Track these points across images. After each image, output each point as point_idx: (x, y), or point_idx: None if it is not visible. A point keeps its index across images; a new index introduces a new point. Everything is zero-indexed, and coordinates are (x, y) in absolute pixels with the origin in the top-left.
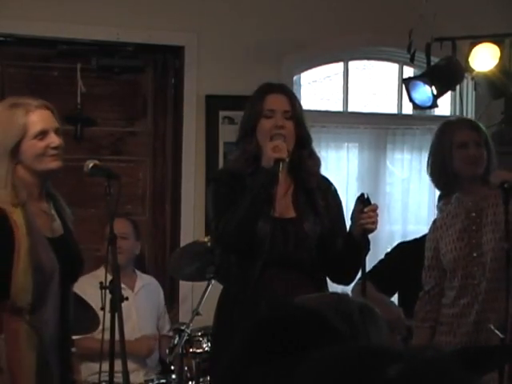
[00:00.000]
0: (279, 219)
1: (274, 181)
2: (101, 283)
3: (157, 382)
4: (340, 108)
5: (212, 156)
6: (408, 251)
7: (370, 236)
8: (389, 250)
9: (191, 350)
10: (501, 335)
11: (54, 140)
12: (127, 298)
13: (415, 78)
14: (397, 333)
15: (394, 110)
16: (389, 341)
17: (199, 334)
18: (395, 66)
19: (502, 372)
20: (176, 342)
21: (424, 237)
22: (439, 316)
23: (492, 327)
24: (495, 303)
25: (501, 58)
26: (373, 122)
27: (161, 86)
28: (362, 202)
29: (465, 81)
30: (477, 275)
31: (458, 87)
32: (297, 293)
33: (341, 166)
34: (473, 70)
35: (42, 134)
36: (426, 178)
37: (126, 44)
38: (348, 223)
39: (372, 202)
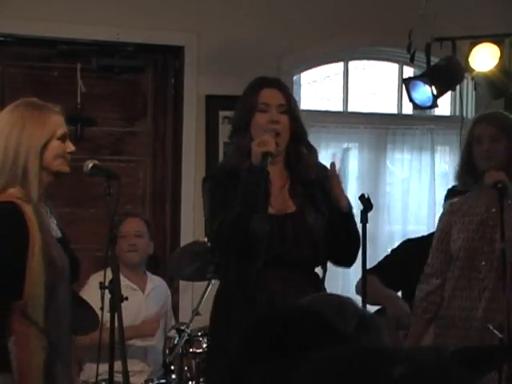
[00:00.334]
0: (276, 216)
1: (263, 176)
2: (101, 283)
3: (157, 382)
4: (340, 108)
5: (212, 156)
6: (414, 249)
7: (370, 236)
8: (395, 246)
9: (191, 350)
10: (500, 335)
11: (70, 146)
12: (127, 298)
13: (415, 78)
14: (403, 329)
15: (394, 110)
16: (390, 341)
17: (199, 334)
18: (395, 66)
19: (501, 372)
20: (176, 341)
21: (431, 235)
22: (440, 309)
23: (491, 327)
24: (499, 302)
25: (501, 58)
26: (373, 122)
27: (161, 86)
28: (363, 202)
29: (465, 81)
30: (483, 270)
31: (458, 87)
32: (295, 292)
33: (341, 166)
34: (473, 70)
35: (64, 138)
36: (426, 178)
37: (126, 44)
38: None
39: (372, 202)
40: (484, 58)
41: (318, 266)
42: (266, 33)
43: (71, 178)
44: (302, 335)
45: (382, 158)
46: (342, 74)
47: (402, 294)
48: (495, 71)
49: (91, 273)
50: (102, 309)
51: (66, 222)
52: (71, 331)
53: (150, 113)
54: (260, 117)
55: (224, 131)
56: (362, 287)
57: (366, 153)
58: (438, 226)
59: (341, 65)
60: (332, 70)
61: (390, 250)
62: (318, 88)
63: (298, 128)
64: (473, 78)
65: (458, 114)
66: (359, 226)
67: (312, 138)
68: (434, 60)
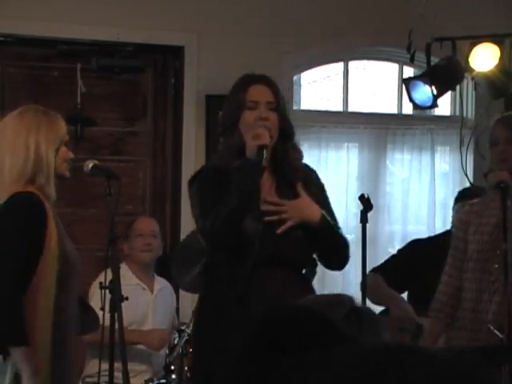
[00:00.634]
0: (268, 214)
1: (259, 169)
2: (100, 283)
3: (157, 381)
4: (340, 108)
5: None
6: (421, 249)
7: (370, 236)
8: (401, 246)
9: (191, 350)
10: (500, 335)
11: (71, 153)
12: (127, 298)
13: (415, 78)
14: (405, 331)
15: (394, 110)
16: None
17: None
18: (395, 66)
19: (501, 372)
20: (176, 342)
21: (439, 236)
22: (457, 310)
23: (491, 327)
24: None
25: (501, 58)
26: (373, 122)
27: (161, 86)
28: (363, 202)
29: (465, 81)
30: (495, 273)
31: (458, 87)
32: (288, 292)
33: (341, 166)
34: (473, 70)
35: (68, 144)
36: (426, 178)
37: (126, 44)
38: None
39: (372, 201)
40: (484, 57)
41: (307, 265)
42: (266, 33)
43: (71, 178)
44: (304, 335)
45: (382, 158)
46: (341, 73)
47: (408, 296)
48: (495, 71)
49: (91, 273)
50: (102, 309)
51: (66, 222)
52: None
53: (150, 113)
54: (248, 114)
55: None
56: (361, 286)
57: (366, 153)
58: (456, 224)
59: (341, 65)
60: (332, 70)
61: (396, 250)
62: (318, 88)
63: (286, 126)
64: (473, 78)
65: (458, 114)
66: (359, 226)
67: (312, 138)
68: (434, 60)
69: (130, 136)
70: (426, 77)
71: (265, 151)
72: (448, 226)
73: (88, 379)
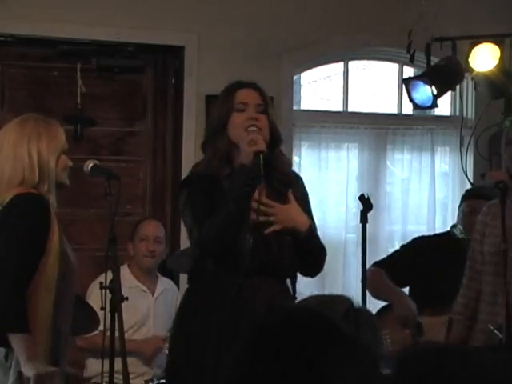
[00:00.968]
0: (259, 224)
1: (258, 176)
2: (100, 283)
3: (157, 382)
4: (340, 108)
5: None
6: (424, 247)
7: (370, 236)
8: (405, 242)
9: None
10: (500, 335)
11: (70, 161)
12: (127, 298)
13: (415, 78)
14: (408, 328)
15: (394, 110)
16: (397, 340)
17: None
18: (395, 66)
19: None
20: None
21: (444, 234)
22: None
23: (491, 327)
24: None
25: (501, 58)
26: (373, 122)
27: (161, 86)
28: (363, 202)
29: (465, 81)
30: (507, 276)
31: (458, 87)
32: (278, 300)
33: (341, 166)
34: (473, 70)
35: (66, 152)
36: (426, 178)
37: (126, 44)
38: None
39: (372, 201)
40: (484, 58)
41: (294, 274)
42: (265, 33)
43: (71, 178)
44: (307, 336)
45: (382, 158)
46: (342, 73)
47: (409, 293)
48: (495, 71)
49: (91, 273)
50: (102, 309)
51: (66, 222)
52: (71, 330)
53: (150, 113)
54: (237, 116)
55: None
56: (362, 283)
57: (366, 153)
58: (476, 227)
59: (341, 65)
60: (332, 70)
61: (400, 246)
62: (318, 88)
63: (274, 131)
64: (473, 78)
65: (458, 114)
66: (359, 226)
67: (312, 138)
68: (434, 60)
69: (129, 136)
70: (426, 77)
71: (261, 157)
72: (448, 226)
73: (94, 379)
